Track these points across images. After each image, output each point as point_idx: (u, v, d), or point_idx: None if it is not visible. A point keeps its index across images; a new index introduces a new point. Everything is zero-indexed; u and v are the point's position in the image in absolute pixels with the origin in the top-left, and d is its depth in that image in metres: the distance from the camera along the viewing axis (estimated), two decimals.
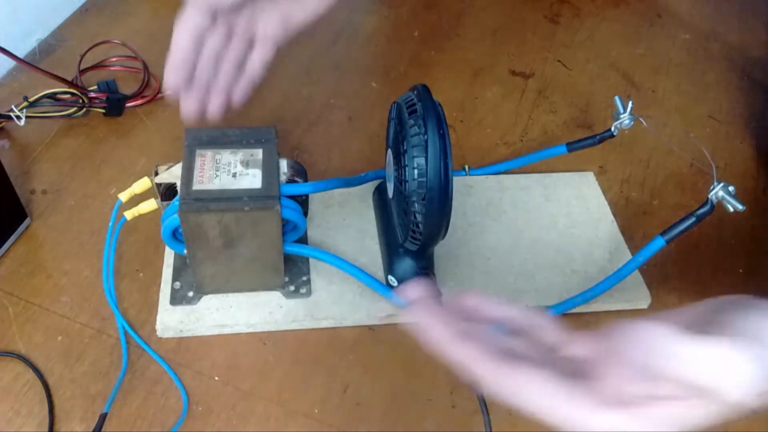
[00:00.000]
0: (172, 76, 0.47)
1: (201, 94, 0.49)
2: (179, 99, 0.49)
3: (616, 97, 0.56)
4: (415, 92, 0.48)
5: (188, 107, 0.49)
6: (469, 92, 0.74)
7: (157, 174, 0.48)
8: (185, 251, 0.49)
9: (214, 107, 0.49)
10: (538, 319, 0.34)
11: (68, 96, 0.65)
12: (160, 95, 0.70)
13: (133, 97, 0.69)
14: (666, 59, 0.81)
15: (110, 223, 0.52)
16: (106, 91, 0.67)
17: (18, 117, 0.63)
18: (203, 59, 0.49)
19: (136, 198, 0.50)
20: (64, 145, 0.65)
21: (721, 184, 0.45)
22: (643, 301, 0.55)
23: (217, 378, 0.49)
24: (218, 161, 0.47)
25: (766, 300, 0.32)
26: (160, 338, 0.51)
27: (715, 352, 0.28)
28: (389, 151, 0.53)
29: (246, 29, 0.50)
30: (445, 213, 0.46)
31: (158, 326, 0.51)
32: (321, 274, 0.55)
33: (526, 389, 0.31)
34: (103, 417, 0.46)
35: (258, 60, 0.49)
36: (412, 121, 0.46)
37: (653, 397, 0.29)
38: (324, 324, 0.53)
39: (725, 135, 0.72)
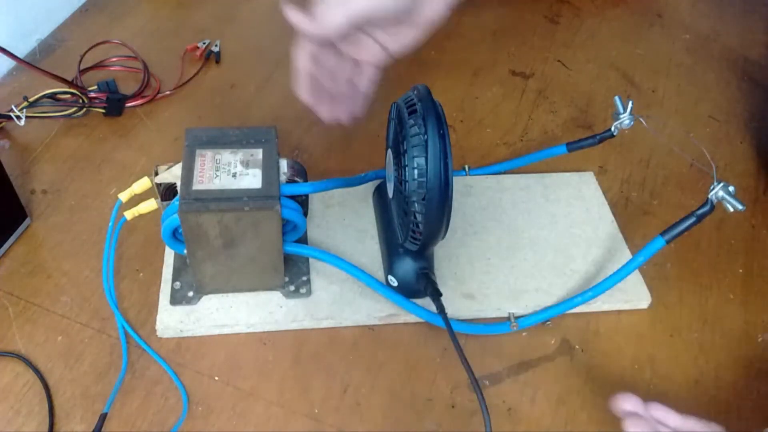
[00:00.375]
0: (302, 90, 0.58)
1: (328, 103, 0.59)
2: (314, 108, 0.59)
3: (616, 97, 0.56)
4: (415, 92, 0.48)
5: (323, 113, 0.59)
6: (469, 92, 0.74)
7: (157, 174, 0.48)
8: (185, 251, 0.49)
9: (340, 114, 0.60)
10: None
11: (68, 96, 0.65)
12: (159, 95, 0.70)
13: (133, 97, 0.69)
14: (666, 59, 0.81)
15: (110, 223, 0.52)
16: (106, 91, 0.67)
17: (18, 117, 0.63)
18: (322, 74, 0.59)
19: (136, 198, 0.50)
20: (64, 145, 0.65)
21: (721, 184, 0.45)
22: (644, 301, 0.55)
23: (217, 378, 0.49)
24: (218, 161, 0.47)
25: None
26: (160, 338, 0.51)
27: None
28: (389, 151, 0.53)
29: (351, 54, 0.59)
30: (445, 213, 0.46)
31: (158, 326, 0.51)
32: (321, 274, 0.55)
33: None
34: (103, 417, 0.46)
35: (366, 80, 0.59)
36: (412, 121, 0.46)
37: None
38: (324, 324, 0.53)
39: (725, 135, 0.72)
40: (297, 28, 0.56)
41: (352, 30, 0.56)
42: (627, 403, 0.45)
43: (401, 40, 0.61)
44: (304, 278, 0.54)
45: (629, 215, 0.63)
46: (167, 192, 0.49)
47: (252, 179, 0.46)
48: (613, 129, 0.56)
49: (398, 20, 0.59)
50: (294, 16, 0.55)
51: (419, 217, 0.47)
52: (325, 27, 0.55)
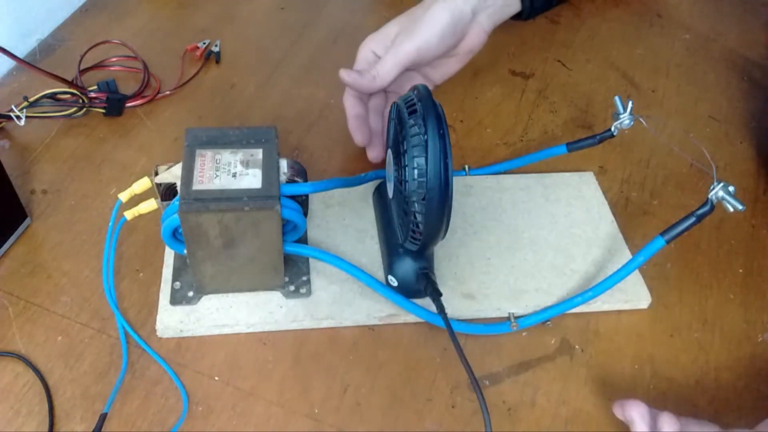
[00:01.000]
0: (357, 134, 0.60)
1: (379, 143, 0.61)
2: (367, 148, 0.61)
3: (616, 97, 0.56)
4: (415, 92, 0.48)
5: (373, 154, 0.61)
6: (469, 92, 0.74)
7: (157, 174, 0.48)
8: (185, 251, 0.49)
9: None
10: None
11: (68, 96, 0.65)
12: (160, 95, 0.70)
13: (133, 97, 0.69)
14: (666, 59, 0.81)
15: (110, 223, 0.52)
16: (106, 91, 0.67)
17: (18, 117, 0.63)
18: (371, 115, 0.62)
19: (136, 198, 0.50)
20: (64, 145, 0.65)
21: (721, 184, 0.45)
22: (644, 301, 0.55)
23: (217, 378, 0.49)
24: (218, 161, 0.47)
25: None
26: (160, 338, 0.51)
27: None
28: (389, 152, 0.53)
29: (396, 90, 0.63)
30: (445, 213, 0.46)
31: (158, 326, 0.51)
32: (321, 274, 0.55)
33: None
34: (103, 417, 0.46)
35: None
36: (412, 121, 0.46)
37: None
38: (324, 324, 0.53)
39: (725, 135, 0.72)
40: (353, 87, 0.60)
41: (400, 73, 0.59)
42: (634, 410, 0.44)
43: (445, 70, 0.65)
44: (304, 278, 0.54)
45: (629, 215, 0.63)
46: (167, 192, 0.49)
47: (252, 179, 0.46)
48: (613, 129, 0.56)
49: (442, 55, 0.62)
50: (349, 76, 0.59)
51: (419, 217, 0.47)
52: (379, 81, 0.59)
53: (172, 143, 0.66)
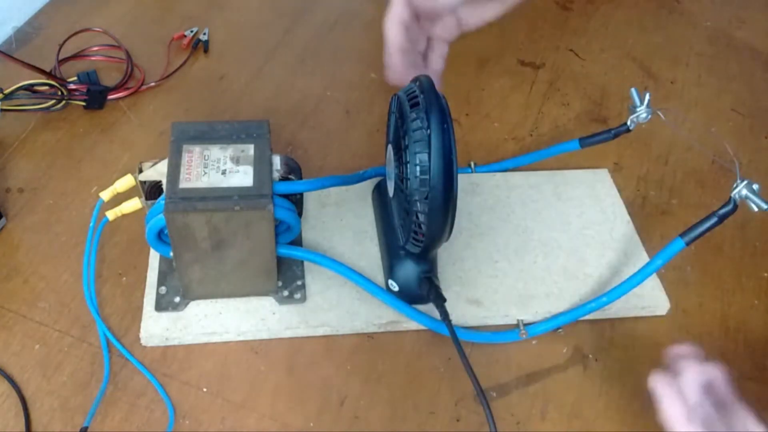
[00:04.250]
0: (395, 71, 0.54)
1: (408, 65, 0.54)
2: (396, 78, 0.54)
3: (633, 89, 0.56)
4: (418, 84, 0.48)
5: (394, 76, 0.54)
6: (475, 84, 0.74)
7: (141, 171, 0.48)
8: (171, 254, 0.49)
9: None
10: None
11: (46, 88, 0.65)
12: (144, 87, 0.70)
13: (116, 88, 0.69)
14: (686, 48, 0.81)
15: (91, 224, 0.52)
16: (86, 83, 0.67)
17: None
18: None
19: (119, 197, 0.50)
20: (42, 140, 0.65)
21: (745, 182, 0.45)
22: (662, 307, 0.55)
23: (205, 389, 0.50)
24: (207, 157, 0.47)
25: None
26: (145, 347, 0.51)
27: None
28: (390, 147, 0.53)
29: (426, 29, 0.57)
30: (449, 213, 0.46)
31: (142, 334, 0.51)
32: (316, 279, 0.55)
33: None
34: (83, 431, 0.46)
35: (438, 56, 0.57)
36: (414, 115, 0.46)
37: None
38: (320, 332, 0.53)
39: (749, 129, 0.72)
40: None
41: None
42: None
43: (483, 15, 0.60)
44: (299, 283, 0.54)
45: (646, 215, 0.63)
46: (152, 190, 0.49)
47: (243, 177, 0.46)
48: (629, 123, 0.56)
49: None
50: None
51: (422, 218, 0.47)
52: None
53: (158, 138, 0.66)
